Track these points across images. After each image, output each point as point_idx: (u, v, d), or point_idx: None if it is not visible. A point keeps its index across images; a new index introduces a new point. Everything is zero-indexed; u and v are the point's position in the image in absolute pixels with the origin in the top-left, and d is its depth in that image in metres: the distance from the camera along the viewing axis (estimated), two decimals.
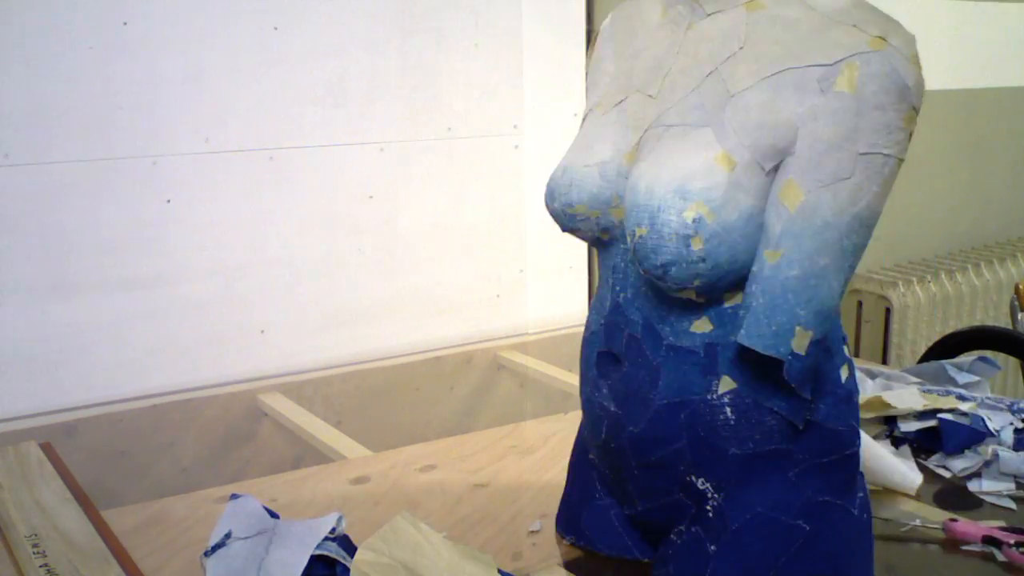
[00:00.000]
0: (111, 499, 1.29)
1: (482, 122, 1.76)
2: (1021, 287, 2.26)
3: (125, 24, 1.42)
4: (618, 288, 0.84)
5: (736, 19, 0.81)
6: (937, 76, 2.58)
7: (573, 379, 1.66)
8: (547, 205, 0.88)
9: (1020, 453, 1.16)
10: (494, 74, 1.75)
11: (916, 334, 2.49)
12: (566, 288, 1.91)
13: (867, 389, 1.34)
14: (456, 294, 1.78)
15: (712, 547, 0.83)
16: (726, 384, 0.79)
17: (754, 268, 0.75)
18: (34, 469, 1.17)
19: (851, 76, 0.72)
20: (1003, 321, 2.56)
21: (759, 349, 0.74)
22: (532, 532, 1.06)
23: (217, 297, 1.55)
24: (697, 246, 0.73)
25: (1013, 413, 1.23)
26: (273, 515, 0.94)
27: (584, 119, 0.91)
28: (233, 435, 1.54)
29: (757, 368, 0.79)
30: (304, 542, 0.87)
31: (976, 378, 1.35)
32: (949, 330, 2.05)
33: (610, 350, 0.86)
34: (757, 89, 0.76)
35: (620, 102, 0.86)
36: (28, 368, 1.41)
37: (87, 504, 1.07)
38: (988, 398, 1.27)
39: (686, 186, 0.74)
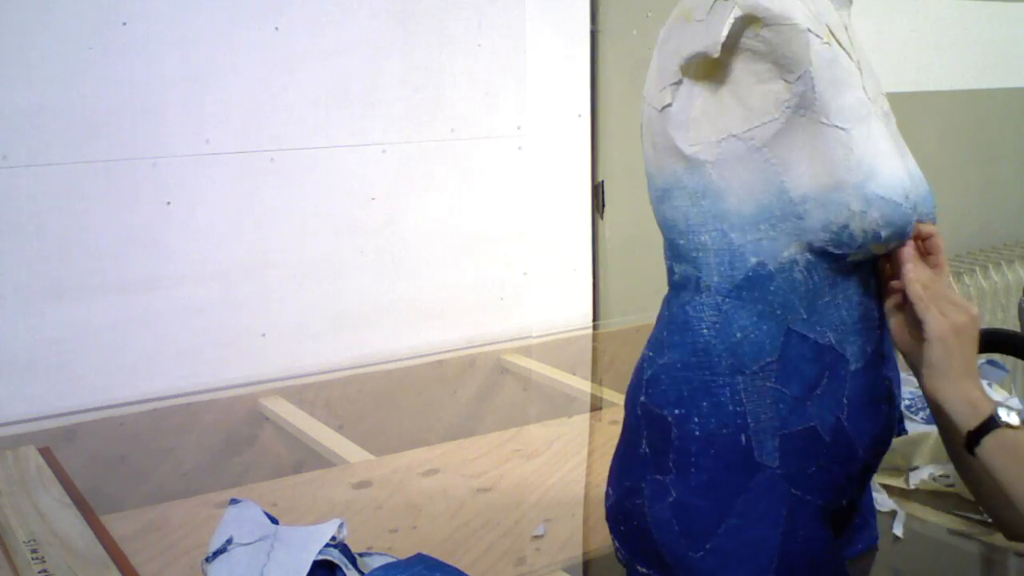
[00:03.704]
0: (110, 504, 1.28)
1: (485, 124, 1.75)
2: None
3: (125, 24, 1.41)
4: (878, 302, 0.92)
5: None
6: (945, 77, 2.57)
7: (577, 382, 1.65)
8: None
9: None
10: (497, 75, 1.74)
11: None
12: (570, 291, 1.90)
13: None
14: (459, 297, 1.77)
15: None
16: None
17: None
18: (33, 474, 1.16)
19: None
20: (1012, 324, 2.54)
21: None
22: (536, 537, 1.05)
23: (218, 300, 1.54)
24: None
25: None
26: (273, 520, 0.93)
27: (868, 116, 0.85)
28: (234, 439, 1.52)
29: None
30: (306, 548, 0.87)
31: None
32: None
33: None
34: None
35: (885, 114, 0.88)
36: (27, 372, 1.40)
37: (86, 509, 1.06)
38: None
39: None
